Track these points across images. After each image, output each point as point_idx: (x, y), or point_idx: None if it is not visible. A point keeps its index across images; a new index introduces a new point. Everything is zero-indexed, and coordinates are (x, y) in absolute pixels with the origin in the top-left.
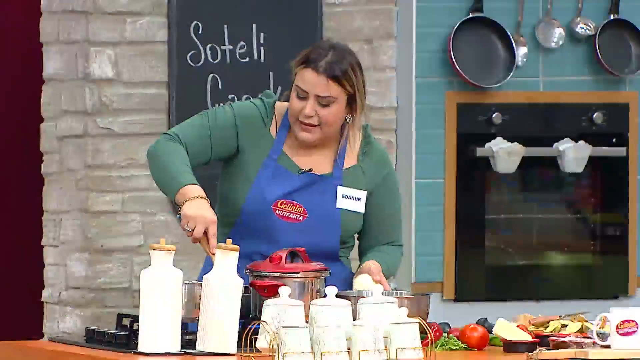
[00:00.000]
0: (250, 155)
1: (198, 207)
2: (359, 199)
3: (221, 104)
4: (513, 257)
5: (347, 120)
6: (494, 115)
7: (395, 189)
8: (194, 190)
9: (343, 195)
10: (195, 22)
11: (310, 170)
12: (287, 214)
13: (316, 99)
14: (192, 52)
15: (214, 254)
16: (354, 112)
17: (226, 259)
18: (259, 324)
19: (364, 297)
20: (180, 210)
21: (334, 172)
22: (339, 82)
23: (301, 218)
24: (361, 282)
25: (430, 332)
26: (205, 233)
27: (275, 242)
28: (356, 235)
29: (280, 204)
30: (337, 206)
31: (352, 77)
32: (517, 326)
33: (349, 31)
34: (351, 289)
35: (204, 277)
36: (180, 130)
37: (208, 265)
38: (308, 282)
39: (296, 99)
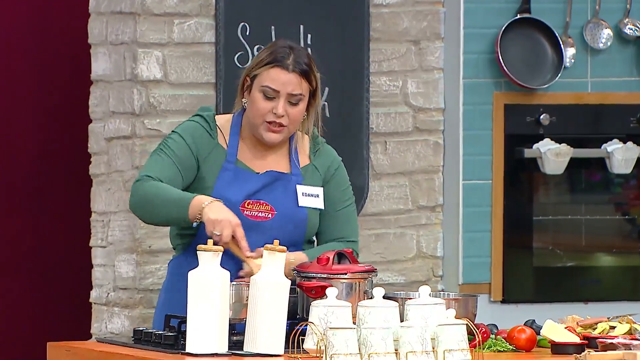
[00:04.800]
0: (205, 167)
1: (219, 210)
2: (317, 196)
3: (168, 135)
4: (561, 258)
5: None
6: (541, 116)
7: (345, 185)
8: (203, 197)
9: (303, 193)
10: (242, 24)
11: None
12: (256, 213)
13: (287, 98)
14: (240, 53)
15: (248, 257)
16: (308, 110)
17: (273, 259)
18: (306, 325)
19: (411, 298)
20: (198, 218)
21: (292, 171)
22: (307, 79)
23: (270, 216)
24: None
25: (478, 333)
26: (233, 237)
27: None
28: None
29: (248, 204)
30: (299, 204)
31: (315, 72)
32: (565, 328)
33: (396, 32)
34: None
35: (252, 277)
36: (150, 172)
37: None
38: (355, 283)
39: (263, 100)
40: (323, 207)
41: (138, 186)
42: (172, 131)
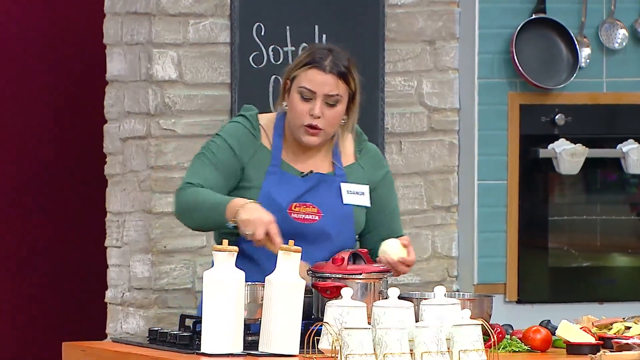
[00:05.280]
0: (250, 168)
1: (253, 211)
2: (363, 193)
3: (211, 138)
4: (576, 258)
5: (342, 122)
6: (556, 117)
7: (393, 186)
8: (240, 200)
9: (348, 191)
10: (257, 24)
11: (312, 172)
12: (303, 216)
13: (324, 99)
14: (255, 53)
15: None
16: (349, 113)
17: (288, 260)
18: (321, 325)
19: (426, 298)
20: (234, 220)
21: (336, 171)
22: (345, 80)
23: (317, 218)
24: (389, 244)
25: (493, 333)
26: (267, 234)
27: (295, 244)
28: None
29: (295, 207)
30: (344, 202)
31: (354, 75)
32: (581, 328)
33: (411, 32)
34: None
35: (267, 278)
36: (191, 178)
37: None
38: (370, 283)
39: (300, 101)
40: (369, 205)
41: (179, 194)
42: (216, 134)
